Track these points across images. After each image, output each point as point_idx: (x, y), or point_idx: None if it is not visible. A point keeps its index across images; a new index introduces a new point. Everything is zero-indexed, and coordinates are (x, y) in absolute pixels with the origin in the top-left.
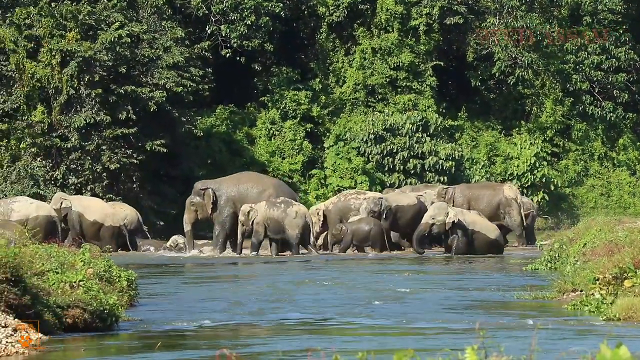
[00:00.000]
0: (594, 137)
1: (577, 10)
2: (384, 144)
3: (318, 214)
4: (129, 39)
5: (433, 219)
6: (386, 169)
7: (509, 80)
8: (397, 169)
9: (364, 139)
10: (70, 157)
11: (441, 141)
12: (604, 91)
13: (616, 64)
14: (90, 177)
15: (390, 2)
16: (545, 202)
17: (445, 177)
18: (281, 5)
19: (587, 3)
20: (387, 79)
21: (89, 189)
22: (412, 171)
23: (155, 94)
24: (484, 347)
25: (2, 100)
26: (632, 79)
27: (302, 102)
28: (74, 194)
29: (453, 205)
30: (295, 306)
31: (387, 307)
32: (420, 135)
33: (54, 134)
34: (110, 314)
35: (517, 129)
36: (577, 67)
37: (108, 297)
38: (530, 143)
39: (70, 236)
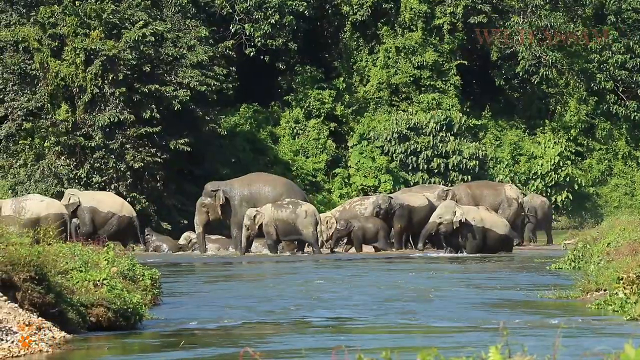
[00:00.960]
0: (618, 136)
1: (601, 9)
2: (407, 143)
3: (327, 222)
4: (153, 38)
5: (440, 218)
6: (410, 168)
7: (533, 80)
8: (421, 168)
9: (388, 138)
10: (94, 155)
11: (465, 140)
12: (628, 90)
13: None
14: (114, 175)
15: (414, 1)
16: (569, 201)
17: (469, 177)
18: (305, 4)
19: (612, 2)
20: (411, 78)
21: (112, 188)
22: (436, 170)
23: (179, 92)
24: (508, 346)
25: (26, 99)
26: None
27: (326, 101)
28: None
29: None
30: (318, 305)
31: (411, 306)
32: (444, 135)
33: (78, 133)
34: (133, 313)
35: (541, 128)
36: (601, 66)
37: (132, 296)
38: (554, 142)
39: (81, 231)
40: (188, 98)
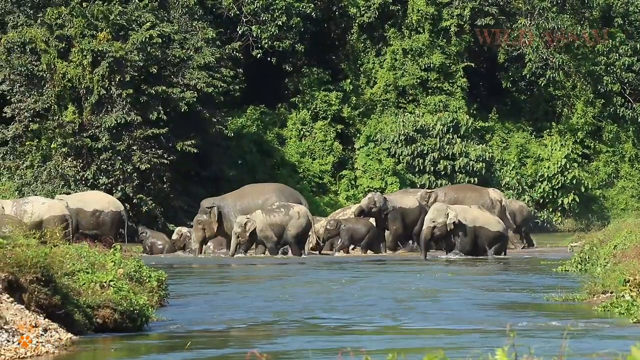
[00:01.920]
0: (624, 138)
1: (608, 12)
2: (414, 145)
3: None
4: (160, 40)
5: (433, 222)
6: (416, 170)
7: (540, 82)
8: (428, 170)
9: (395, 140)
10: (101, 157)
11: (472, 142)
12: (635, 93)
13: None
14: (121, 177)
15: (421, 3)
16: (576, 203)
17: (476, 179)
18: (312, 6)
19: (619, 5)
20: (418, 80)
21: (119, 189)
22: (443, 172)
23: (186, 94)
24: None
25: (33, 100)
26: None
27: (333, 102)
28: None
29: None
30: (324, 306)
31: (418, 308)
32: (451, 137)
33: (84, 134)
34: (140, 314)
35: (547, 130)
36: (608, 68)
37: (138, 298)
38: (561, 144)
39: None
40: (195, 100)
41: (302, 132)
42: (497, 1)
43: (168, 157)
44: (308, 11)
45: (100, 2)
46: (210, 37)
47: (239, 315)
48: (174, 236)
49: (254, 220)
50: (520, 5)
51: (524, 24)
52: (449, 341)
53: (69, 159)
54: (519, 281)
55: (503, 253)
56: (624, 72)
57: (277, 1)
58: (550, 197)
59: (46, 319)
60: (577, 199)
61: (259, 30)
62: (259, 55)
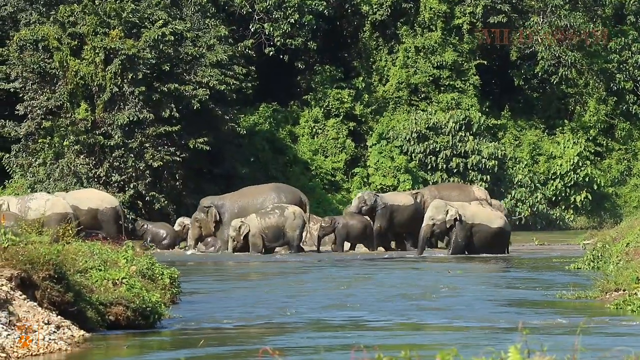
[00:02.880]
0: (637, 136)
1: (621, 10)
2: (426, 143)
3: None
4: (173, 37)
5: (433, 219)
6: (429, 167)
7: (552, 80)
8: (440, 167)
9: (407, 138)
10: (113, 154)
11: (484, 140)
12: None
13: None
14: (133, 174)
15: (433, 1)
16: (588, 201)
17: (488, 176)
18: (325, 3)
19: (631, 2)
20: (430, 78)
21: (131, 187)
22: (455, 170)
23: (198, 92)
24: (527, 346)
25: (46, 97)
26: None
27: (345, 100)
28: (117, 191)
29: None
30: (335, 304)
31: (430, 304)
32: (463, 134)
33: (97, 132)
34: (152, 312)
35: (560, 128)
36: (621, 66)
37: (150, 295)
38: (574, 142)
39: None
40: (207, 97)
41: (314, 130)
42: None
43: (180, 155)
44: (320, 9)
45: (113, 0)
46: (222, 34)
47: (251, 312)
48: (177, 227)
49: (248, 224)
50: (532, 3)
51: (536, 22)
52: (462, 338)
53: (82, 156)
54: (531, 278)
55: (506, 250)
56: (636, 70)
57: None
58: (563, 194)
59: (59, 316)
60: (590, 197)
61: (271, 28)
62: (271, 52)
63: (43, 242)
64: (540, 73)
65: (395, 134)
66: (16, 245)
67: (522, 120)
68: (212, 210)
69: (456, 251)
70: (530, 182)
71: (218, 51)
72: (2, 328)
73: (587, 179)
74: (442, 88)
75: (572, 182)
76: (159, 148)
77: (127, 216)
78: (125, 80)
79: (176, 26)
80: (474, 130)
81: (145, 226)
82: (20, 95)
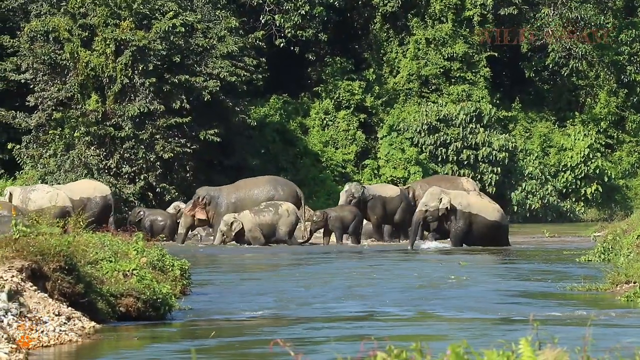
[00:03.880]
0: None
1: (631, 2)
2: (437, 135)
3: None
4: (183, 29)
5: (426, 206)
6: (439, 159)
7: (563, 72)
8: (451, 159)
9: (418, 130)
10: (124, 146)
11: (495, 132)
12: None
13: None
14: (144, 166)
15: None
16: (599, 193)
17: (499, 168)
18: None
19: None
20: (441, 70)
21: (142, 178)
22: (466, 162)
23: (209, 83)
24: (538, 339)
25: (56, 89)
26: None
27: (356, 92)
28: (128, 183)
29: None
30: (344, 295)
31: (439, 296)
32: (474, 126)
33: (107, 123)
34: (163, 303)
35: (571, 120)
36: (632, 58)
37: (161, 286)
38: (584, 134)
39: None
40: (218, 89)
41: (325, 122)
42: None
43: (191, 146)
44: (331, 0)
45: None
46: (233, 26)
47: (262, 304)
48: (171, 210)
49: (240, 221)
50: None
51: (547, 14)
52: (472, 330)
53: (92, 147)
54: (541, 270)
55: (503, 244)
56: None
57: None
58: (573, 186)
59: (69, 308)
60: (600, 189)
61: (282, 20)
62: (282, 44)
63: (54, 233)
64: (551, 65)
65: (405, 125)
66: (27, 237)
67: (532, 112)
68: (205, 200)
69: (456, 241)
70: (540, 174)
71: (229, 43)
72: (13, 319)
73: (597, 171)
74: (452, 80)
75: (583, 174)
76: (170, 139)
77: (129, 205)
78: (135, 72)
79: (187, 17)
80: (485, 122)
81: (142, 213)
82: (31, 86)
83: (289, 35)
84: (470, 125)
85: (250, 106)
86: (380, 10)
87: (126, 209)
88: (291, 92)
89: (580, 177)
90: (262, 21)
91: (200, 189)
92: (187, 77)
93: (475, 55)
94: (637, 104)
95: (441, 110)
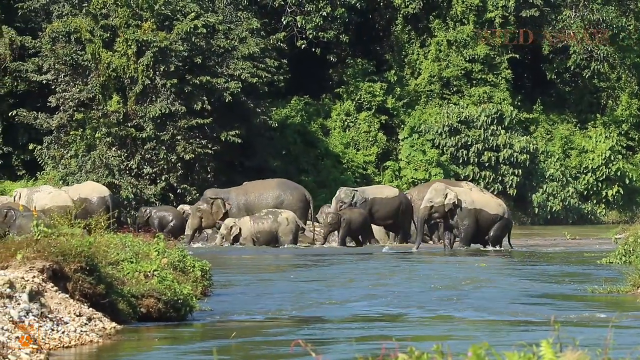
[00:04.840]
0: None
1: None
2: (458, 137)
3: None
4: (205, 30)
5: (431, 202)
6: (460, 161)
7: (585, 74)
8: (472, 161)
9: (439, 131)
10: (145, 147)
11: (516, 134)
12: None
13: None
14: (165, 167)
15: None
16: (620, 195)
17: (520, 170)
18: None
19: None
20: (462, 71)
21: (163, 179)
22: (487, 164)
23: (230, 84)
24: (559, 341)
25: (78, 89)
26: None
27: (377, 93)
28: (149, 184)
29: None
30: (364, 296)
31: (458, 298)
32: (495, 128)
33: (129, 124)
34: (184, 304)
35: (592, 122)
36: None
37: (182, 287)
38: (606, 136)
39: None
40: (239, 90)
41: (346, 123)
42: None
43: (212, 147)
44: (353, 2)
45: None
46: (254, 27)
47: (283, 305)
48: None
49: (239, 226)
50: None
51: (568, 16)
52: (493, 332)
53: (113, 148)
54: (562, 272)
55: (507, 239)
56: None
57: None
58: (595, 188)
59: (90, 308)
60: (622, 191)
61: (303, 21)
62: (303, 45)
63: (75, 234)
64: (572, 67)
65: (427, 127)
66: (48, 237)
67: (554, 114)
68: (218, 202)
69: (466, 240)
70: (562, 176)
71: (250, 44)
72: (34, 320)
73: (618, 173)
74: (474, 82)
75: (604, 177)
76: (191, 140)
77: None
78: (157, 73)
79: (208, 19)
80: (506, 124)
81: (148, 211)
82: (53, 87)
83: (311, 36)
84: (492, 127)
85: (272, 107)
86: (401, 12)
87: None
88: (312, 94)
89: (601, 179)
90: (284, 22)
91: (208, 190)
92: (208, 78)
93: (497, 57)
94: None
95: (462, 112)
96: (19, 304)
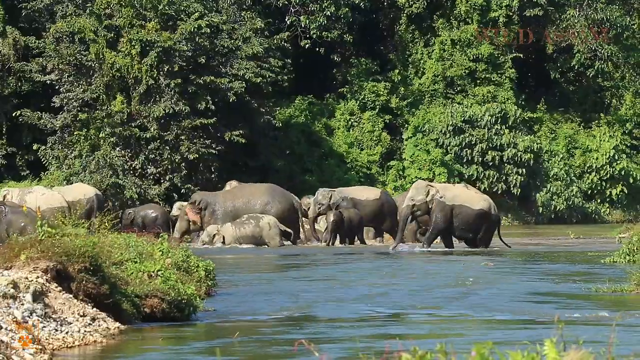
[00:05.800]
0: None
1: None
2: (462, 136)
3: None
4: (209, 30)
5: (412, 200)
6: (464, 160)
7: (589, 73)
8: (476, 160)
9: (443, 131)
10: (149, 147)
11: (520, 133)
12: None
13: None
14: (169, 167)
15: None
16: (624, 194)
17: (524, 169)
18: None
19: None
20: (466, 71)
21: (167, 179)
22: (491, 163)
23: (234, 84)
24: (563, 340)
25: (82, 90)
26: None
27: (381, 93)
28: (153, 184)
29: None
30: (365, 296)
31: (461, 297)
32: (499, 127)
33: (133, 124)
34: (188, 304)
35: (596, 121)
36: None
37: (186, 287)
38: (610, 136)
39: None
40: (243, 90)
41: (350, 123)
42: None
43: (216, 147)
44: (357, 1)
45: None
46: (258, 27)
47: (286, 304)
48: (175, 211)
49: (222, 234)
50: None
51: (572, 15)
52: (497, 331)
53: (117, 148)
54: (566, 271)
55: (487, 237)
56: None
57: None
58: (599, 188)
59: (94, 308)
60: (626, 190)
61: (307, 21)
62: (307, 45)
63: (79, 234)
64: (576, 66)
65: (431, 127)
66: (52, 237)
67: (558, 114)
68: (204, 205)
69: (434, 231)
70: (565, 176)
71: (254, 44)
72: (38, 320)
73: (622, 173)
74: (478, 81)
75: (608, 176)
76: (195, 140)
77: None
78: (161, 73)
79: (212, 19)
80: (510, 123)
81: (132, 212)
82: (57, 87)
83: (314, 36)
84: (496, 127)
85: (276, 107)
86: (405, 12)
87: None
88: (316, 93)
89: (605, 178)
90: (288, 22)
91: (195, 193)
92: (212, 78)
93: (501, 57)
94: None
95: (466, 112)
96: (22, 304)
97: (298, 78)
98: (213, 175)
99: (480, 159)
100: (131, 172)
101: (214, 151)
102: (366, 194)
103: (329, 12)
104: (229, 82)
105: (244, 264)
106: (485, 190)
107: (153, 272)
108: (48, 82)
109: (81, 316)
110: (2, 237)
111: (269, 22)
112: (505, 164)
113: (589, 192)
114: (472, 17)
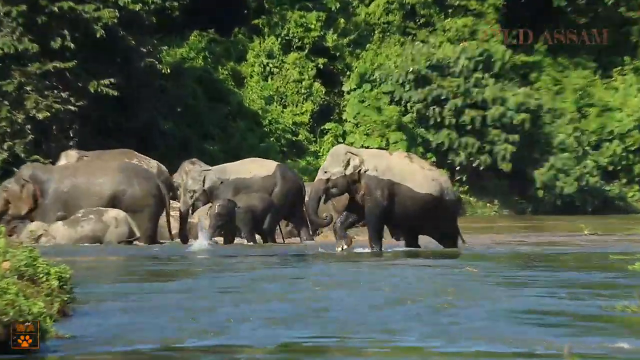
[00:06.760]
0: None
1: None
2: (428, 88)
3: None
4: None
5: (326, 173)
6: (431, 123)
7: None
8: (447, 123)
9: (400, 81)
10: None
11: (510, 84)
12: None
13: None
14: (8, 130)
15: None
16: None
17: (516, 136)
18: None
19: None
20: None
21: (5, 147)
22: (469, 127)
23: (103, 13)
24: None
25: None
26: None
27: (313, 27)
28: None
29: None
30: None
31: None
32: (481, 76)
33: None
34: (34, 328)
35: (619, 68)
36: None
37: (30, 303)
38: (638, 88)
39: None
40: (116, 21)
41: (268, 69)
42: None
43: (76, 103)
44: None
45: None
46: None
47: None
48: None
49: (52, 235)
50: None
51: None
52: None
53: None
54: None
55: (449, 231)
56: None
57: None
58: (623, 162)
59: None
60: None
61: None
62: None
63: None
64: None
65: (383, 75)
66: None
67: (563, 57)
68: (30, 187)
69: (374, 222)
70: (576, 145)
71: None
72: None
73: None
74: (449, 10)
75: (637, 145)
76: (46, 93)
77: None
78: None
79: None
80: (496, 70)
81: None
82: None
83: None
84: (476, 75)
85: (162, 46)
86: None
87: None
88: (220, 27)
89: (632, 149)
90: None
91: (25, 166)
92: (71, 4)
93: None
94: None
95: (434, 54)
96: None
97: (194, 6)
98: (72, 142)
99: (453, 120)
100: None
101: (73, 108)
102: (254, 169)
103: None
104: (95, 11)
105: (105, 269)
106: (462, 165)
107: None
108: None
109: None
110: None
111: None
112: (490, 129)
113: (610, 168)
114: None
